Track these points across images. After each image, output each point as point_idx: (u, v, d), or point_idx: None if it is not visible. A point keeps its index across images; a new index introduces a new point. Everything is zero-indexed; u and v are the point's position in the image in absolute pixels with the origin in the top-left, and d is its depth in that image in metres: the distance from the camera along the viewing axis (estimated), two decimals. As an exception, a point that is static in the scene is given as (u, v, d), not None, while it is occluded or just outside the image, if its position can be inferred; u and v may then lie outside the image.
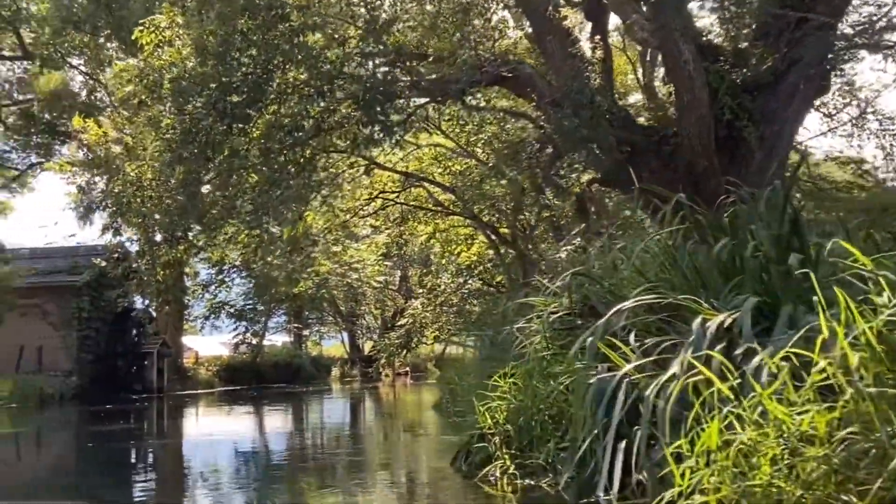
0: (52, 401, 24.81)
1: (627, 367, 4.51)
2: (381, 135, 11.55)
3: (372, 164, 21.77)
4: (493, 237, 24.24)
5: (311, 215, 15.58)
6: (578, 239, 14.44)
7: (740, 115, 10.70)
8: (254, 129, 12.61)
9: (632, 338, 4.85)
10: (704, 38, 12.30)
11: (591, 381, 4.74)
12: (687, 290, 4.94)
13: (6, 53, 34.77)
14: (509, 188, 22.08)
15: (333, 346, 57.63)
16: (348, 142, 13.31)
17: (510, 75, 12.51)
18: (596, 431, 4.57)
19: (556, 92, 12.12)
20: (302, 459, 10.29)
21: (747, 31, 12.05)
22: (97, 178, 15.93)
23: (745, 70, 11.09)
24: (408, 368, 52.23)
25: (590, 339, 5.03)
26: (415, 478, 8.04)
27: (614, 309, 5.05)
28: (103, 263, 24.56)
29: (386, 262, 42.67)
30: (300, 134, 11.83)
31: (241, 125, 11.98)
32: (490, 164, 20.26)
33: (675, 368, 3.99)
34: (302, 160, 12.03)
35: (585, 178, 19.81)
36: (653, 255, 5.98)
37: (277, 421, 18.18)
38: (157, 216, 13.98)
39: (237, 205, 13.24)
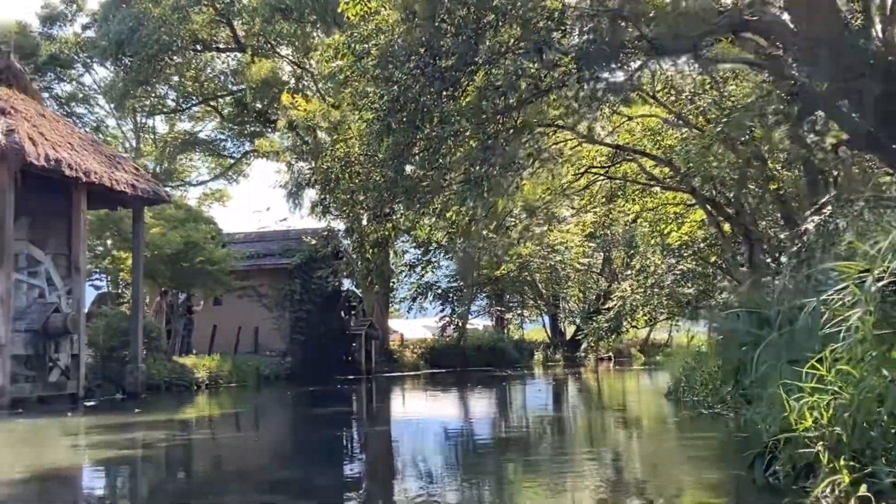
0: (267, 381, 25.43)
1: None
2: (604, 94, 10.27)
3: (581, 136, 20.43)
4: (714, 213, 22.18)
5: (527, 186, 14.56)
6: (828, 209, 12.53)
7: None
8: (464, 96, 11.72)
9: None
10: None
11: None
12: None
13: (221, 46, 36.32)
14: (736, 158, 20.13)
15: (534, 329, 56.80)
16: (564, 106, 12.14)
17: (753, 19, 10.85)
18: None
19: (808, 37, 10.37)
20: (537, 453, 9.13)
21: None
22: (306, 155, 15.75)
23: None
24: (611, 353, 50.52)
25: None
26: (712, 486, 6.30)
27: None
28: (313, 241, 24.77)
29: (590, 244, 41.19)
30: (514, 98, 10.76)
31: (451, 90, 11.11)
32: (710, 134, 18.34)
33: None
34: (518, 124, 10.97)
35: (829, 140, 17.58)
36: None
37: (491, 406, 17.40)
38: (364, 192, 13.41)
39: (447, 178, 12.40)
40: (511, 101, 10.61)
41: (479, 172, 10.69)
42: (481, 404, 17.18)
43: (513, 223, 18.88)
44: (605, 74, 10.19)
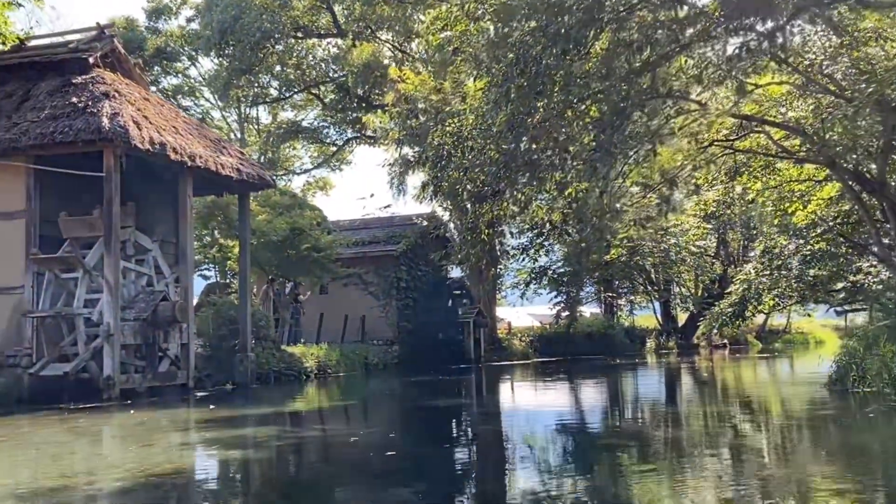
0: (376, 369, 24.88)
1: None
2: (758, 43, 8.94)
3: (702, 106, 18.85)
4: (856, 187, 20.20)
5: (664, 153, 13.22)
6: None
7: None
8: (591, 57, 10.57)
9: None
10: None
11: None
12: None
13: (322, 32, 35.95)
14: (880, 125, 18.24)
15: (644, 316, 54.86)
16: (702, 67, 10.83)
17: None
18: None
19: None
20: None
21: None
22: (414, 130, 14.85)
23: None
24: (726, 341, 48.33)
25: None
26: None
27: None
28: (425, 223, 23.98)
29: (706, 226, 39.19)
30: (650, 53, 9.53)
31: (576, 50, 9.96)
32: (861, 97, 16.51)
33: None
34: (653, 84, 9.74)
35: None
36: None
37: (629, 405, 16.17)
38: (478, 169, 12.41)
39: (571, 148, 11.26)
40: (648, 55, 9.39)
41: (611, 139, 9.53)
42: (611, 401, 15.96)
43: (647, 196, 17.57)
44: (758, 26, 8.86)
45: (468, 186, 13.63)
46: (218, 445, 9.28)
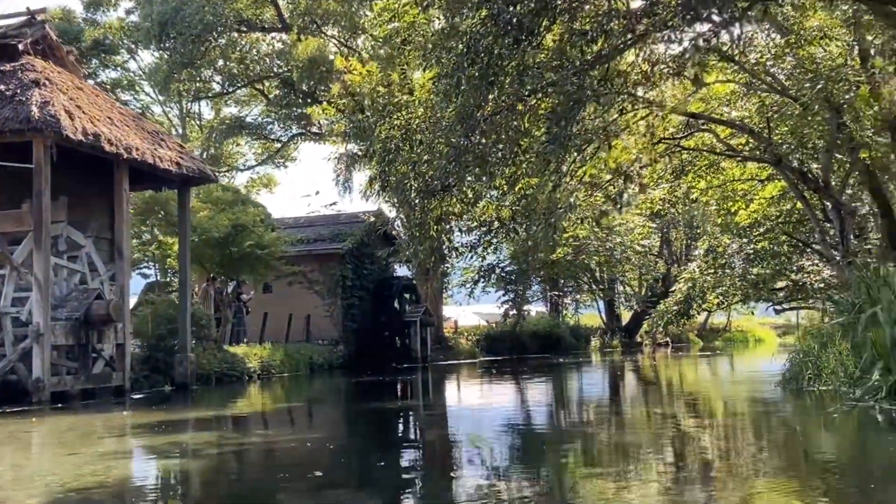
0: (321, 370, 24.39)
1: None
2: (713, 34, 8.75)
3: (652, 105, 18.78)
4: (801, 185, 20.33)
5: (619, 145, 13.00)
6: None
7: None
8: (544, 47, 10.30)
9: None
10: None
11: None
12: None
13: (266, 26, 35.24)
14: (822, 124, 18.39)
15: (588, 315, 55.13)
16: (656, 59, 10.65)
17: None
18: None
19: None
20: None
21: None
22: (361, 123, 14.41)
23: None
24: (668, 339, 48.86)
25: None
26: None
27: None
28: (372, 219, 23.53)
29: (650, 225, 39.45)
30: (604, 42, 9.30)
31: (529, 38, 9.68)
32: (809, 97, 16.55)
33: None
34: (606, 76, 9.51)
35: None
36: None
37: (583, 404, 15.96)
38: (427, 162, 12.06)
39: (523, 142, 10.98)
40: (601, 46, 9.15)
41: (564, 131, 9.25)
42: (556, 400, 15.72)
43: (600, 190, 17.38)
44: (715, 17, 8.67)
45: (416, 182, 13.27)
46: (151, 453, 8.76)
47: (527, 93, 10.17)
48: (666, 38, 9.14)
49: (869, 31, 17.29)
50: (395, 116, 12.58)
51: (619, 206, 14.70)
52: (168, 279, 29.63)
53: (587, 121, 10.03)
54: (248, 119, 41.22)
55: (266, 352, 21.86)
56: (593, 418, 11.31)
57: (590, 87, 9.23)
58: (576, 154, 11.17)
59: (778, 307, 36.05)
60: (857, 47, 18.07)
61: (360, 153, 15.08)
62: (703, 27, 9.15)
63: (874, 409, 8.60)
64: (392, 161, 12.82)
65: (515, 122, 10.47)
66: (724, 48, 11.61)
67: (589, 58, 9.44)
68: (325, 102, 15.76)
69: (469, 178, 11.88)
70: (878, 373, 8.62)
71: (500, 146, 10.60)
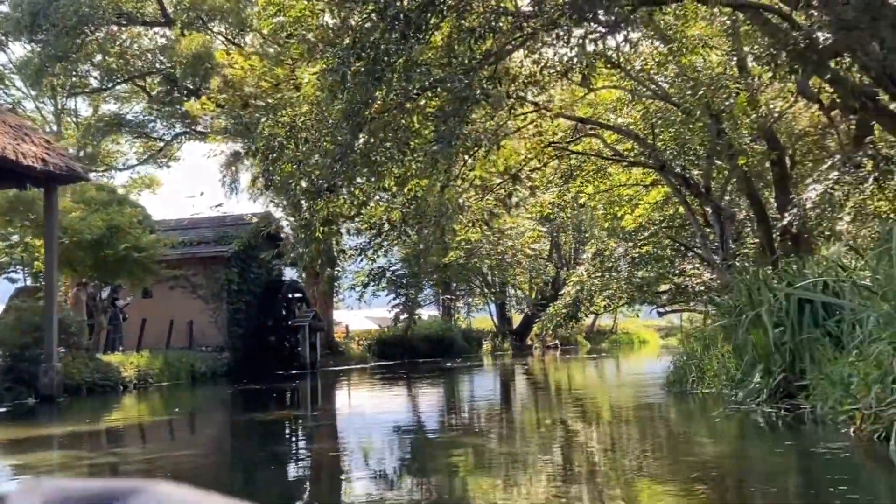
0: (203, 378, 23.42)
1: None
2: (599, 35, 8.65)
3: (541, 108, 18.81)
4: (684, 191, 20.76)
5: (508, 146, 12.81)
6: (835, 173, 11.20)
7: None
8: (432, 44, 10.02)
9: None
10: None
11: None
12: None
13: (148, 20, 33.85)
14: (703, 130, 18.80)
15: (479, 318, 55.36)
16: (544, 63, 10.51)
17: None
18: None
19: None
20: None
21: None
22: (244, 119, 13.77)
23: None
24: (557, 341, 49.63)
25: None
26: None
27: None
28: (255, 219, 22.74)
29: (540, 229, 39.84)
30: (494, 41, 9.08)
31: (416, 34, 9.37)
32: (691, 104, 16.85)
33: None
34: (496, 73, 9.29)
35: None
36: None
37: (452, 403, 15.71)
38: (313, 160, 11.60)
39: (411, 141, 10.67)
40: (490, 44, 8.93)
41: (452, 131, 8.98)
42: (447, 405, 15.47)
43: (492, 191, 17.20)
44: (602, 17, 8.56)
45: (302, 181, 12.78)
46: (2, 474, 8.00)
47: (415, 91, 9.86)
48: (554, 38, 8.99)
49: (747, 41, 17.78)
50: (280, 113, 12.03)
51: (508, 207, 14.56)
52: (39, 284, 27.96)
53: (477, 122, 9.78)
54: (129, 117, 39.50)
55: (143, 360, 20.81)
56: (484, 423, 11.07)
57: (479, 86, 9.00)
58: (465, 156, 10.92)
59: (661, 310, 37.05)
60: (735, 56, 18.62)
61: (243, 149, 14.41)
62: (590, 28, 9.04)
63: (755, 412, 8.63)
64: (276, 160, 12.28)
65: (403, 121, 10.14)
66: (611, 53, 11.58)
67: (478, 56, 9.19)
68: (204, 97, 15.00)
69: (357, 179, 11.49)
70: (759, 375, 8.69)
71: (389, 145, 10.26)
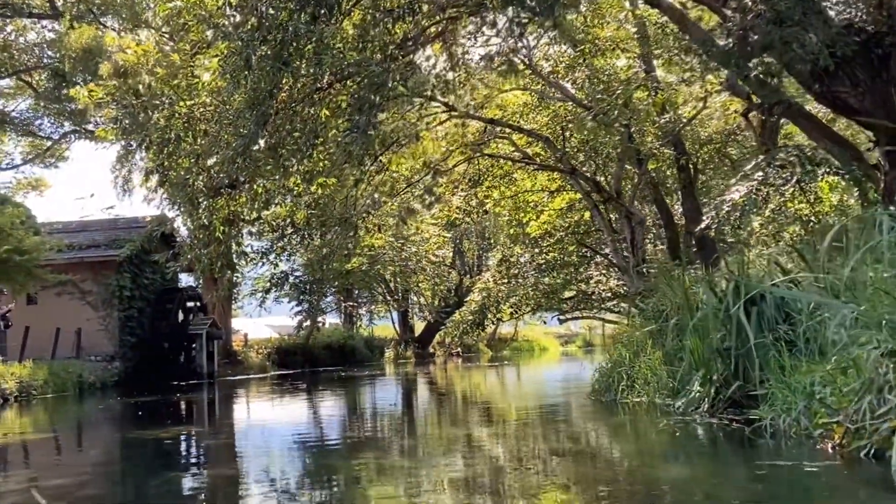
0: (92, 389, 22.01)
1: None
2: (530, 15, 8.17)
3: (450, 108, 18.32)
4: (594, 195, 20.63)
5: (427, 139, 12.21)
6: (759, 173, 11.03)
7: None
8: (345, 28, 9.41)
9: None
10: None
11: None
12: None
13: (35, 11, 31.96)
14: (613, 134, 18.73)
15: (381, 326, 54.59)
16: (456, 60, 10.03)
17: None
18: None
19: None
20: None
21: None
22: (136, 109, 12.79)
23: None
24: (459, 349, 49.46)
25: None
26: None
27: None
28: (148, 218, 21.47)
29: (445, 235, 39.47)
30: (412, 24, 8.54)
31: (328, 14, 8.74)
32: (607, 106, 16.61)
33: None
34: (411, 64, 8.74)
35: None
36: None
37: (353, 414, 14.97)
38: (214, 155, 10.80)
39: (319, 135, 10.01)
40: (408, 27, 8.37)
41: (368, 119, 8.36)
42: (348, 416, 14.73)
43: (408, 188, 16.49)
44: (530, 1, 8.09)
45: (200, 178, 11.92)
46: None
47: (326, 80, 9.20)
48: (479, 21, 8.50)
49: (657, 44, 17.80)
50: (178, 104, 11.17)
51: (429, 204, 14.01)
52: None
53: (386, 122, 9.20)
54: (14, 114, 37.28)
55: (26, 370, 19.38)
56: (389, 437, 10.42)
57: (398, 71, 8.42)
58: (380, 148, 10.32)
59: (562, 317, 37.16)
60: (642, 59, 18.63)
61: (133, 144, 13.45)
62: (517, 13, 8.58)
63: (700, 423, 8.09)
64: (172, 153, 11.40)
65: (312, 111, 9.47)
66: (523, 56, 11.18)
67: (396, 41, 8.62)
68: (92, 84, 13.94)
69: (260, 176, 10.73)
70: (699, 383, 8.28)
71: (297, 135, 9.56)
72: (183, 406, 17.79)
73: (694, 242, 19.97)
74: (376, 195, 12.26)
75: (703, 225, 11.75)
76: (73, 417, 16.06)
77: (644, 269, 17.82)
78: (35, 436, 12.74)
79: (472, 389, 20.80)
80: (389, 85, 8.27)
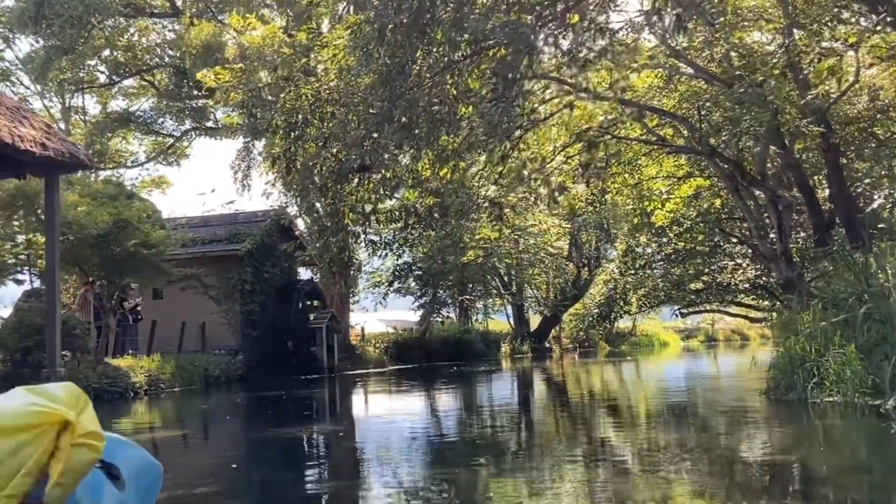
0: (217, 383, 22.06)
1: None
2: None
3: (579, 90, 17.25)
4: (736, 177, 19.13)
5: (579, 106, 11.30)
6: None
7: None
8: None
9: None
10: None
11: None
12: None
13: (156, 11, 32.58)
14: (764, 112, 17.26)
15: (496, 321, 53.68)
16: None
17: None
18: None
19: None
20: None
21: None
22: (263, 92, 12.40)
23: None
24: (576, 344, 48.17)
25: None
26: None
27: None
28: (275, 207, 21.24)
29: (564, 226, 38.24)
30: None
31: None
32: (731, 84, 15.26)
33: None
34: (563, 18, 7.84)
35: None
36: None
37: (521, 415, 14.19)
38: (342, 139, 10.18)
39: (460, 111, 9.25)
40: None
41: (513, 87, 7.52)
42: (493, 416, 13.96)
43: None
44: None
45: (327, 163, 11.35)
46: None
47: (463, 47, 8.40)
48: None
49: (801, 14, 16.33)
50: (305, 84, 10.61)
51: (585, 175, 13.11)
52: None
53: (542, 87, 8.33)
54: (138, 113, 38.24)
55: (154, 364, 19.47)
56: (547, 445, 9.58)
57: (550, 33, 7.56)
58: (524, 121, 9.47)
59: (684, 311, 35.46)
60: (787, 32, 17.16)
61: (258, 130, 13.05)
62: None
63: None
64: (299, 137, 10.86)
65: (451, 82, 8.70)
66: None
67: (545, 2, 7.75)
68: (218, 67, 13.64)
69: (391, 154, 10.03)
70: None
71: (435, 109, 8.81)
72: (311, 402, 17.45)
73: (844, 228, 18.36)
74: (504, 181, 11.37)
75: (874, 205, 10.39)
76: (203, 412, 15.89)
77: (806, 256, 16.34)
78: (168, 433, 12.50)
79: (613, 387, 19.70)
80: (542, 48, 7.42)
